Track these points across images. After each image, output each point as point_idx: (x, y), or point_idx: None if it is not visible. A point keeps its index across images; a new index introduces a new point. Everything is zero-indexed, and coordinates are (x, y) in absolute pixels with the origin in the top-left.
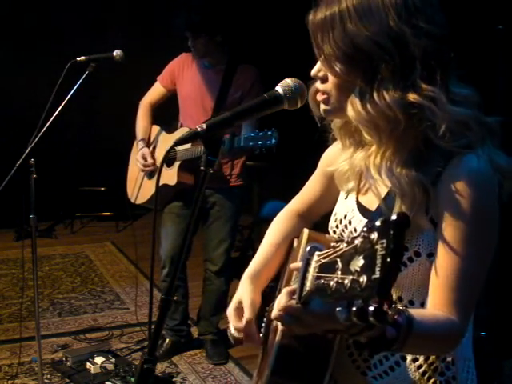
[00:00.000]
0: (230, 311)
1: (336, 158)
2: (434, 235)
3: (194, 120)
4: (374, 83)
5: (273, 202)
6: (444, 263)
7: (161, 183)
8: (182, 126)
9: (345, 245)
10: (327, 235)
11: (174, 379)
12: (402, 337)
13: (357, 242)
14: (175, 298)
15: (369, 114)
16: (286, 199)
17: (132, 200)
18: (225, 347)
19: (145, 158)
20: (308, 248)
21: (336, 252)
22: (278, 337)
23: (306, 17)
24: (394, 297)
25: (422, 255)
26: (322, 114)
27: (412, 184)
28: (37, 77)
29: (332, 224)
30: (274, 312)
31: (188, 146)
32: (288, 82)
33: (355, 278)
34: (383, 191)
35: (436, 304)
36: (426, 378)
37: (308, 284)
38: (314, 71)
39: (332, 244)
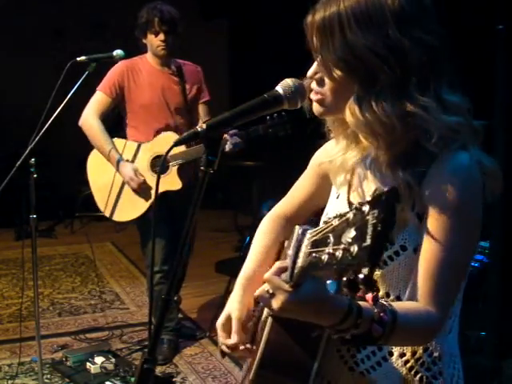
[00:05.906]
0: (219, 325)
1: (330, 152)
2: (421, 229)
3: (160, 123)
4: (373, 92)
5: (273, 201)
6: (426, 252)
7: (161, 190)
8: (130, 131)
9: (337, 220)
10: None
11: (173, 379)
12: (388, 333)
13: (349, 215)
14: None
15: (367, 120)
16: None
17: (107, 214)
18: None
19: (138, 176)
20: (300, 230)
21: (328, 227)
22: (266, 330)
23: (304, 19)
24: (382, 292)
25: (408, 249)
26: (314, 111)
27: (399, 183)
28: (37, 77)
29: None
30: (260, 290)
31: (182, 148)
32: (288, 82)
33: (346, 247)
34: (371, 189)
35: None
36: (412, 373)
37: (300, 261)
38: (310, 73)
39: (323, 220)
